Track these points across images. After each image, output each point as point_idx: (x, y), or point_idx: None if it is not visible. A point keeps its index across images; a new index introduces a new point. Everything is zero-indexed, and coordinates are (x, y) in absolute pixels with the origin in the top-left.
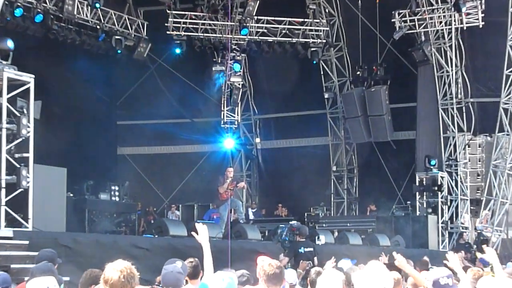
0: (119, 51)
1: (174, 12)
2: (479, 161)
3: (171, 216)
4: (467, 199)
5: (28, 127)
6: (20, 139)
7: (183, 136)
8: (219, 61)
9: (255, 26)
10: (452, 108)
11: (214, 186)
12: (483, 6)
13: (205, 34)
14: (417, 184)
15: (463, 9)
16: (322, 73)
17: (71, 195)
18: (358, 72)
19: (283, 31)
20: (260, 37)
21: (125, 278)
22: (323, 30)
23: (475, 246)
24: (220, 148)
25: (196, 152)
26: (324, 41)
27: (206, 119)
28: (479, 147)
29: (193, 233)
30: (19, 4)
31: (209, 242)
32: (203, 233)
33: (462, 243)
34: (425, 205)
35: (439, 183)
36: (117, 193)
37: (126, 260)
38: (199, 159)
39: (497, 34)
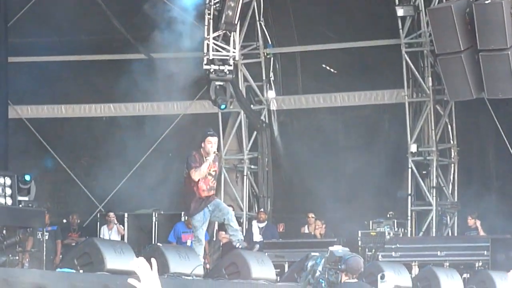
0: None
1: None
2: None
3: (108, 235)
4: None
5: None
6: None
7: (133, 86)
8: None
9: None
10: None
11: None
12: None
13: None
14: None
15: None
16: None
17: None
18: None
19: None
20: None
21: None
22: None
23: None
24: (201, 109)
25: (155, 116)
26: None
27: (176, 54)
28: None
29: (130, 280)
30: None
31: None
32: (147, 277)
33: None
34: None
35: None
36: (7, 191)
37: None
38: (161, 128)
39: None
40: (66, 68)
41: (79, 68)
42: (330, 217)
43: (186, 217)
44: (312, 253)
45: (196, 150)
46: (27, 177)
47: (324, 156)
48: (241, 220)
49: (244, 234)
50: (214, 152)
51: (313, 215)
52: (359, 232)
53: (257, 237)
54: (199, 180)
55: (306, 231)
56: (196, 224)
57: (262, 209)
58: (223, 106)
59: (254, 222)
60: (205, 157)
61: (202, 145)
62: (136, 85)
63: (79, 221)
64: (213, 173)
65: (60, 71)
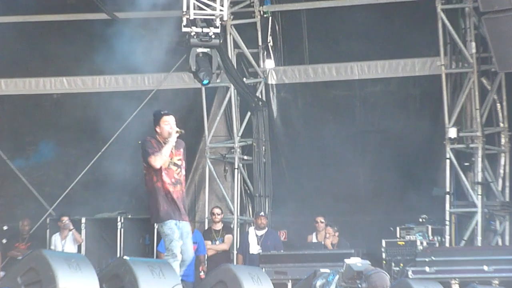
0: None
1: None
2: None
3: (61, 245)
4: None
5: None
6: None
7: (92, 55)
8: None
9: None
10: None
11: None
12: None
13: None
14: None
15: None
16: None
17: None
18: None
19: None
20: None
21: None
22: None
23: None
24: (179, 83)
25: (121, 93)
26: None
27: (147, 13)
28: None
29: None
30: None
31: None
32: None
33: None
34: None
35: None
36: None
37: None
38: (128, 108)
39: None
40: (7, 31)
41: (23, 31)
42: (345, 222)
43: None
44: (322, 269)
45: (150, 136)
46: None
47: (338, 143)
48: (232, 226)
49: (238, 243)
50: (178, 131)
51: (323, 220)
52: (383, 241)
53: (254, 247)
54: (161, 173)
55: (314, 240)
56: (167, 232)
57: (262, 213)
58: (205, 81)
59: (251, 230)
60: (165, 139)
61: (157, 129)
62: (96, 53)
63: (29, 228)
64: (179, 163)
65: None
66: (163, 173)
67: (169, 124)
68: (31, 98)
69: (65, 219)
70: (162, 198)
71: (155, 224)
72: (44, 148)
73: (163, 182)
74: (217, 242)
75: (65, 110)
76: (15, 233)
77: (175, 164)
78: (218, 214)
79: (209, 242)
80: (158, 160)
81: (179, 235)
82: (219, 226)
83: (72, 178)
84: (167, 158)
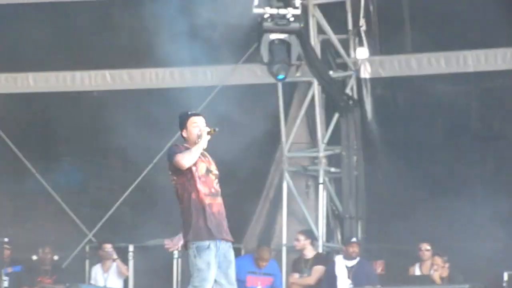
0: None
1: None
2: None
3: (103, 278)
4: None
5: None
6: None
7: (140, 43)
8: None
9: None
10: None
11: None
12: None
13: None
14: None
15: None
16: None
17: None
18: None
19: None
20: None
21: None
22: None
23: None
24: (249, 78)
25: (177, 90)
26: None
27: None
28: None
29: None
30: None
31: None
32: None
33: None
34: None
35: None
36: None
37: None
38: (189, 107)
39: None
40: (33, 15)
41: (53, 15)
42: (457, 250)
43: (258, 251)
44: None
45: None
46: None
47: (448, 151)
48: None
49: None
50: (212, 131)
51: (429, 247)
52: (505, 273)
53: (344, 281)
54: (196, 182)
55: (418, 272)
56: (202, 266)
57: (354, 239)
58: (281, 76)
59: (339, 258)
60: (196, 139)
61: (184, 134)
62: (145, 41)
63: (53, 257)
64: (216, 173)
65: (23, 20)
66: (198, 182)
67: (198, 126)
68: (65, 97)
69: (108, 246)
70: (199, 211)
71: (189, 244)
72: (81, 159)
73: (198, 192)
74: (305, 275)
75: (107, 111)
76: (35, 264)
77: (213, 174)
78: (298, 241)
79: (296, 275)
80: (186, 158)
81: (215, 273)
82: (309, 255)
83: (116, 196)
84: (197, 157)
